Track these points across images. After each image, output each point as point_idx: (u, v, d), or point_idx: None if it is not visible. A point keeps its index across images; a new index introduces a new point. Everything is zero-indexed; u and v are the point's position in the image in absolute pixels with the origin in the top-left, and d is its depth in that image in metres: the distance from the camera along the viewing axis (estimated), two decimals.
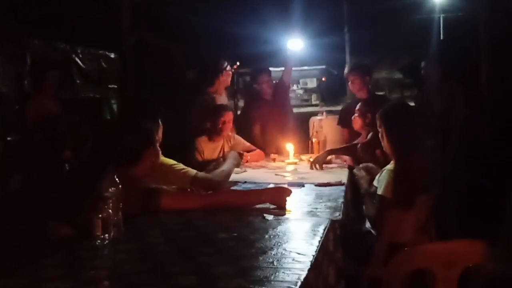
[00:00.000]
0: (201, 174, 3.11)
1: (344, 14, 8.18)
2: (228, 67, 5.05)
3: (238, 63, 5.41)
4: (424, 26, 10.51)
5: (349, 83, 4.87)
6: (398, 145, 2.90)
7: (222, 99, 5.13)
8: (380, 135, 3.03)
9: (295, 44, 5.44)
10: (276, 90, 5.31)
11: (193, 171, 3.05)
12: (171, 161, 3.07)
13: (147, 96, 3.71)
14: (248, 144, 4.75)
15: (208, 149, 4.41)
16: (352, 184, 3.49)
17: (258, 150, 4.69)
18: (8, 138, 5.15)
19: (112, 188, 1.91)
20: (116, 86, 7.12)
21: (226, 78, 5.06)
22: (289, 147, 4.53)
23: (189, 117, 4.74)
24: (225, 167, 3.36)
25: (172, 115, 3.82)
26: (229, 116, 4.50)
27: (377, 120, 3.07)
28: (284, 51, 5.49)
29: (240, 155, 4.28)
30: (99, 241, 1.87)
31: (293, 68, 5.92)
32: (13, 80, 5.58)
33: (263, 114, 5.28)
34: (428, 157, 2.87)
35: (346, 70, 4.89)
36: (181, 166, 3.08)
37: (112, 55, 7.09)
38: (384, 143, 2.99)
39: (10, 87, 5.53)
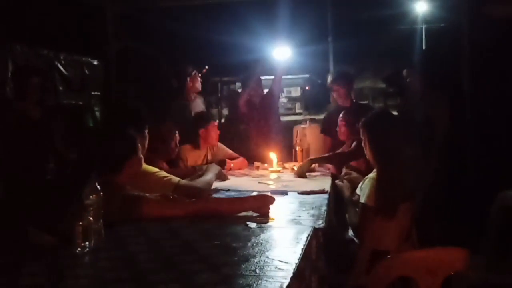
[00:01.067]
0: (184, 181, 3.10)
1: (328, 23, 8.23)
2: (195, 72, 5.05)
3: (206, 67, 5.40)
4: (407, 36, 10.62)
5: (333, 91, 4.91)
6: (381, 153, 2.92)
7: (196, 105, 5.12)
8: (363, 143, 3.05)
9: (282, 52, 5.46)
10: (264, 99, 5.32)
11: (176, 179, 3.04)
12: (154, 169, 3.06)
13: (132, 103, 3.68)
14: (231, 151, 4.75)
15: (191, 157, 4.39)
16: (335, 192, 3.50)
17: (241, 158, 4.69)
18: None
19: (93, 196, 1.89)
20: (99, 93, 7.07)
21: (193, 83, 5.06)
22: (272, 155, 4.54)
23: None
24: (207, 176, 3.35)
25: (155, 122, 3.79)
26: (213, 125, 4.50)
27: (360, 128, 3.09)
28: (270, 60, 5.50)
29: (223, 163, 4.26)
30: (79, 249, 1.84)
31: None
32: None
33: (248, 121, 5.28)
34: (410, 165, 2.89)
35: (329, 79, 4.92)
36: (163, 173, 3.07)
37: (95, 62, 7.04)
38: (367, 152, 3.01)
39: None
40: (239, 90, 7.00)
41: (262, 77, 5.52)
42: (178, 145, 4.03)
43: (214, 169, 3.56)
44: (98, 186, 1.92)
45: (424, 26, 11.66)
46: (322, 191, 3.27)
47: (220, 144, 4.69)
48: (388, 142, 2.91)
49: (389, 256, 2.14)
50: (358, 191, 2.94)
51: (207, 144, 4.51)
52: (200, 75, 5.14)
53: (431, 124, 4.60)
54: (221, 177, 3.77)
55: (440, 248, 2.10)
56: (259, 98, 5.26)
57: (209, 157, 4.55)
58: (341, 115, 4.37)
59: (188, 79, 5.03)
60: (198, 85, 5.13)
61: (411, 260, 2.09)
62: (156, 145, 3.80)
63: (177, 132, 4.01)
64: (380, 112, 3.64)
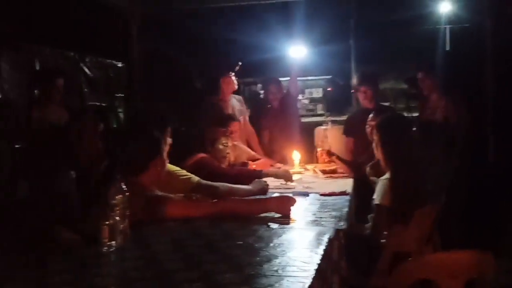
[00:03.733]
0: (205, 181, 3.12)
1: (350, 23, 8.20)
2: (228, 72, 5.06)
3: (239, 63, 5.37)
4: (430, 37, 10.51)
5: (359, 93, 4.85)
6: (392, 157, 2.92)
7: (230, 105, 5.14)
8: (374, 145, 3.07)
9: (298, 52, 5.45)
10: (284, 100, 5.33)
11: (195, 178, 3.07)
12: (175, 168, 3.09)
13: (156, 105, 3.73)
14: (253, 153, 4.77)
15: None
16: (357, 193, 3.50)
17: (263, 159, 4.71)
18: (16, 146, 5.19)
19: (119, 196, 1.93)
20: (123, 95, 7.17)
21: (228, 83, 5.07)
22: (295, 156, 4.54)
23: (195, 126, 4.76)
24: (245, 187, 3.24)
25: (180, 124, 3.85)
26: (234, 126, 4.53)
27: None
28: (287, 60, 5.52)
29: (245, 165, 4.28)
30: (105, 248, 1.89)
31: (299, 78, 5.96)
32: (22, 88, 5.63)
33: (270, 123, 5.31)
34: (425, 169, 2.89)
35: (354, 80, 4.90)
36: (184, 172, 3.10)
37: (120, 64, 7.14)
38: (378, 154, 3.02)
39: (18, 94, 5.58)
40: (261, 92, 7.04)
41: (281, 78, 5.54)
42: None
43: (258, 184, 3.35)
44: (124, 187, 1.96)
45: (448, 27, 11.52)
46: (343, 193, 3.27)
47: (241, 146, 4.72)
48: (400, 146, 2.91)
49: (410, 259, 2.14)
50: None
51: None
52: (233, 73, 5.13)
53: (450, 126, 4.56)
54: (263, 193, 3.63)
55: (462, 251, 2.09)
56: (278, 99, 5.28)
57: (232, 158, 4.57)
58: (370, 118, 4.35)
59: (221, 79, 5.05)
60: (233, 84, 5.13)
61: (432, 263, 2.09)
62: (209, 148, 3.88)
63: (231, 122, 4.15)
64: (393, 115, 3.62)
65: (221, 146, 3.99)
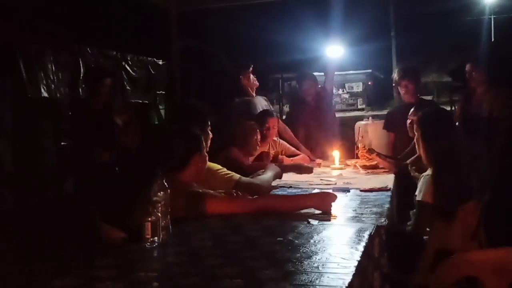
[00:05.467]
0: (245, 178, 3.15)
1: (390, 17, 8.08)
2: (246, 71, 5.07)
3: (252, 65, 5.37)
4: (474, 28, 10.25)
5: (400, 87, 4.78)
6: (434, 153, 2.87)
7: (257, 101, 5.15)
8: (415, 140, 3.02)
9: (335, 50, 5.42)
10: (318, 96, 5.31)
11: (236, 176, 3.10)
12: (217, 166, 3.13)
13: (197, 102, 3.78)
14: (292, 149, 4.77)
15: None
16: (399, 189, 3.45)
17: (302, 155, 4.70)
18: (62, 143, 5.35)
19: (161, 193, 1.97)
20: (164, 92, 7.29)
21: (247, 80, 5.08)
22: (335, 152, 4.52)
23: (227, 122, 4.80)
24: (267, 175, 3.38)
25: (219, 120, 3.90)
26: (273, 122, 4.53)
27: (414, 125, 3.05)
28: (324, 58, 5.50)
29: (280, 167, 4.29)
30: (148, 244, 1.92)
31: (338, 73, 5.93)
32: (67, 87, 5.80)
33: (307, 118, 5.29)
34: (469, 165, 2.83)
35: (395, 75, 4.82)
36: (225, 171, 3.13)
37: (160, 62, 7.25)
38: (420, 150, 2.97)
39: (64, 94, 5.75)
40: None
41: (317, 73, 5.52)
42: (259, 143, 4.17)
43: (273, 168, 3.58)
44: (166, 184, 1.99)
45: (492, 17, 11.21)
46: (384, 189, 3.23)
47: (282, 142, 4.73)
48: (441, 141, 2.85)
49: (454, 256, 2.10)
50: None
51: (268, 141, 4.56)
52: (251, 71, 5.14)
53: (495, 121, 4.42)
54: (280, 177, 3.76)
55: (509, 248, 2.04)
56: (312, 95, 5.26)
57: (273, 153, 4.59)
58: (411, 113, 4.28)
59: (241, 78, 5.08)
60: (253, 81, 5.14)
61: (476, 260, 2.04)
62: (239, 142, 3.97)
63: (258, 129, 4.15)
64: (434, 109, 3.54)
65: (252, 141, 4.06)
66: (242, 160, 3.94)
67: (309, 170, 3.90)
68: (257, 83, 5.18)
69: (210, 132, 3.11)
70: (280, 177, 3.75)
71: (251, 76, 5.10)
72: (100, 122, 4.30)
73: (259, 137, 4.14)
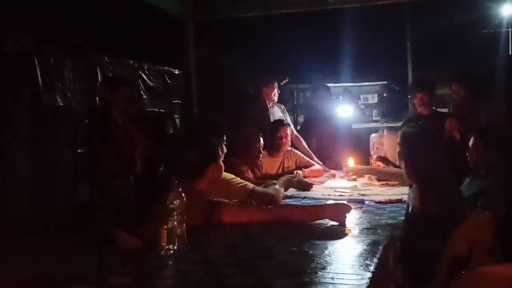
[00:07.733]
0: (259, 188, 3.16)
1: (407, 28, 8.07)
2: (273, 83, 5.08)
3: (286, 79, 5.40)
4: (491, 41, 10.20)
5: (415, 99, 4.76)
6: (415, 173, 2.88)
7: (274, 111, 5.16)
8: (397, 154, 3.02)
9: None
10: (332, 106, 5.31)
11: (250, 185, 3.11)
12: (230, 175, 3.14)
13: (213, 112, 3.79)
14: (307, 159, 4.76)
15: (267, 163, 4.44)
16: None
17: (317, 166, 4.69)
18: (79, 151, 5.41)
19: (177, 201, 1.98)
20: (179, 101, 7.33)
21: (269, 93, 5.09)
22: (350, 163, 4.50)
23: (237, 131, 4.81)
24: (279, 184, 3.39)
25: (235, 128, 3.91)
26: (285, 132, 4.53)
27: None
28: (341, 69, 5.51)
29: (292, 178, 4.27)
30: (164, 251, 1.94)
31: (353, 84, 5.93)
32: (84, 95, 5.87)
33: (318, 129, 5.28)
34: (451, 187, 2.81)
35: (411, 86, 4.79)
36: (239, 180, 3.14)
37: (176, 71, 7.31)
38: (401, 165, 2.97)
39: (80, 102, 5.82)
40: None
41: (331, 85, 5.52)
42: (261, 150, 4.13)
43: (285, 179, 3.58)
44: (182, 192, 2.01)
45: (510, 30, 11.13)
46: (399, 201, 3.22)
47: (296, 151, 4.72)
48: (423, 163, 2.84)
49: (469, 270, 2.08)
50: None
51: (281, 150, 4.55)
52: (276, 85, 5.16)
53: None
54: (295, 186, 3.76)
55: None
56: (326, 106, 5.27)
57: (285, 164, 4.59)
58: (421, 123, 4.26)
59: (263, 88, 5.10)
60: (274, 95, 5.16)
61: (493, 275, 2.02)
62: (240, 150, 3.95)
63: (261, 137, 4.12)
64: (418, 130, 3.44)
65: (254, 149, 4.05)
66: (237, 171, 3.69)
67: (309, 186, 3.86)
68: (275, 99, 5.20)
69: (224, 147, 3.12)
70: (304, 187, 3.76)
71: (275, 89, 5.12)
72: (116, 130, 4.34)
73: (262, 143, 4.12)
